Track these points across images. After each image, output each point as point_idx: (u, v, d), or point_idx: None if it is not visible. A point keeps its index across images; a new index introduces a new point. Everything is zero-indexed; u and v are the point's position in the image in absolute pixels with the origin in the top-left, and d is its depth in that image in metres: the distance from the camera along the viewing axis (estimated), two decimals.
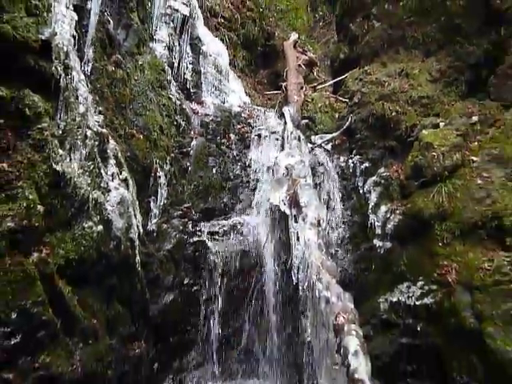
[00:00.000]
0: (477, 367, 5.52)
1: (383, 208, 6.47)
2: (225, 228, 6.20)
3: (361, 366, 4.29)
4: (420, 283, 6.04)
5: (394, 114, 6.77)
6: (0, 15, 3.54)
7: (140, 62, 6.06)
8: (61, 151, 4.08)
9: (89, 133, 4.50)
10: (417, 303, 5.99)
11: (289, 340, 6.03)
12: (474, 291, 5.69)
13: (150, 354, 5.17)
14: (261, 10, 11.24)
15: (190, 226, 6.07)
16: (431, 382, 5.88)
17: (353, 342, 4.45)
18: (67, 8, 4.48)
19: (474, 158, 6.21)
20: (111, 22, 5.70)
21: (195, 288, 5.90)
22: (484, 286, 5.64)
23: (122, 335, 4.73)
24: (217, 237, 6.11)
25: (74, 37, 4.60)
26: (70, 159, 4.24)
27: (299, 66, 8.06)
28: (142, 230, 5.24)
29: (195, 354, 5.80)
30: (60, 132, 4.13)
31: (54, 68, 4.01)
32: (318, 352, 5.28)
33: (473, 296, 5.68)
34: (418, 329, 5.93)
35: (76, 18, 4.64)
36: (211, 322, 5.89)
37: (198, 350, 5.82)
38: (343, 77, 7.71)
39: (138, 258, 5.02)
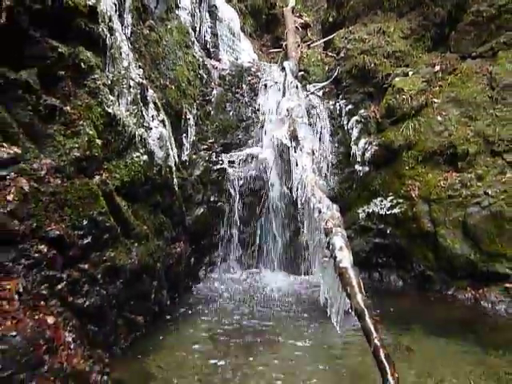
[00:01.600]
0: (431, 260, 5.64)
1: (363, 141, 6.37)
2: (240, 158, 6.14)
3: (345, 258, 4.31)
4: (390, 198, 6.05)
5: (372, 65, 6.51)
6: None
7: (169, 26, 5.74)
8: (111, 97, 3.94)
9: (132, 83, 4.34)
10: (387, 213, 6.03)
11: (290, 241, 6.14)
12: (431, 203, 5.70)
13: (187, 252, 5.26)
14: None
15: (214, 156, 6.01)
16: (397, 270, 6.03)
17: (339, 241, 4.46)
18: None
19: (436, 100, 6.02)
20: None
21: (219, 204, 5.94)
22: (439, 199, 5.64)
23: (167, 238, 4.79)
24: (234, 165, 6.07)
25: (114, 4, 4.35)
26: (119, 104, 4.11)
27: (296, 28, 7.64)
28: (177, 160, 5.18)
29: (220, 251, 5.94)
30: (109, 82, 3.98)
31: (100, 29, 3.80)
32: (312, 249, 5.35)
33: (430, 207, 5.70)
34: (388, 232, 6.01)
35: None
36: (231, 228, 5.99)
37: (223, 248, 5.96)
38: (331, 36, 7.33)
39: (175, 180, 5.00)
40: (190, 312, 4.69)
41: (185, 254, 5.22)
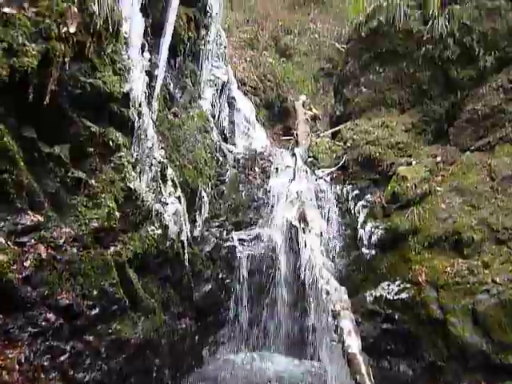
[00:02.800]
0: (441, 348, 5.31)
1: (369, 224, 6.35)
2: (250, 236, 6.12)
3: (354, 343, 4.15)
4: (397, 282, 5.87)
5: (377, 154, 6.72)
6: (94, 73, 3.60)
7: (191, 113, 6.12)
8: (133, 173, 4.10)
9: (154, 161, 4.53)
10: (395, 297, 5.80)
11: (297, 323, 5.87)
12: (439, 289, 5.51)
13: (193, 328, 5.06)
14: (277, 81, 11.40)
15: (225, 233, 6.01)
16: (406, 359, 5.65)
17: (347, 324, 4.32)
18: (141, 72, 4.56)
19: (439, 188, 6.10)
20: (171, 84, 5.80)
21: (227, 281, 5.80)
22: (447, 286, 5.46)
23: (173, 313, 4.65)
24: (244, 243, 6.04)
25: (144, 93, 4.68)
26: (140, 180, 4.25)
27: (306, 119, 8.09)
28: (189, 235, 5.19)
29: (226, 330, 5.67)
30: (133, 160, 4.15)
31: (131, 113, 4.06)
32: (319, 332, 5.11)
33: (438, 293, 5.50)
34: (396, 317, 5.73)
35: (147, 79, 4.72)
36: (238, 306, 5.78)
37: (228, 328, 5.69)
38: (339, 128, 7.69)
39: (186, 255, 4.97)
40: None
41: (190, 331, 5.01)
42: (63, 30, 3.20)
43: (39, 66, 3.01)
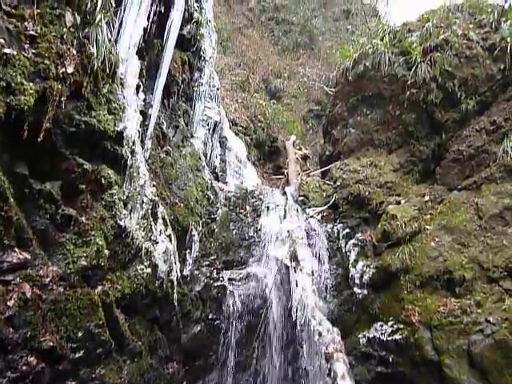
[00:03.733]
0: None
1: (360, 263, 6.32)
2: (241, 275, 6.03)
3: None
4: (390, 323, 5.78)
5: (366, 193, 6.81)
6: (90, 112, 3.65)
7: (183, 152, 6.19)
8: (124, 211, 4.06)
9: (145, 199, 4.50)
10: (388, 339, 5.69)
11: (289, 365, 5.66)
12: (433, 329, 5.43)
13: (180, 373, 4.84)
14: (268, 121, 11.66)
15: (215, 273, 5.91)
16: None
17: (341, 367, 4.21)
18: (135, 111, 4.64)
19: (428, 227, 6.16)
20: (164, 123, 5.89)
21: (217, 322, 5.63)
22: (441, 326, 5.39)
23: (160, 356, 4.46)
24: (235, 282, 5.93)
25: (138, 131, 4.73)
26: (131, 217, 4.20)
27: (297, 158, 8.23)
28: (179, 274, 5.08)
29: (215, 374, 5.43)
30: (125, 197, 4.12)
31: (124, 151, 4.08)
32: (312, 375, 4.94)
33: (432, 333, 5.41)
34: (390, 359, 5.60)
35: (141, 118, 4.79)
36: (228, 349, 5.57)
37: (218, 371, 5.46)
38: (328, 167, 7.84)
39: (175, 295, 4.84)
40: None
41: (177, 376, 4.80)
42: (61, 71, 3.27)
43: (35, 104, 3.05)
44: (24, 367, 2.73)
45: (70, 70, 3.38)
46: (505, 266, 5.42)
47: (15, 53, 3.01)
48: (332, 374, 4.20)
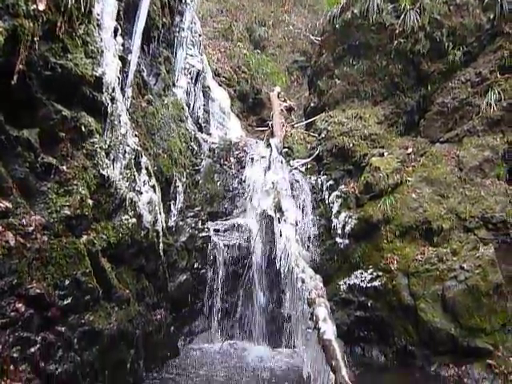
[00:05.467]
0: (412, 333, 5.49)
1: (343, 214, 6.44)
2: (226, 226, 6.10)
3: (329, 329, 4.16)
4: (370, 270, 6.00)
5: (351, 145, 6.81)
6: (65, 55, 3.45)
7: (165, 102, 6.00)
8: (106, 160, 3.97)
9: (127, 149, 4.40)
10: (368, 285, 5.93)
11: (272, 311, 5.89)
12: (410, 276, 5.67)
13: (168, 319, 4.98)
14: (251, 72, 11.33)
15: (200, 224, 5.96)
16: (378, 345, 5.79)
17: (322, 312, 4.32)
18: (114, 56, 4.41)
19: (410, 179, 6.25)
20: (145, 70, 5.65)
21: (202, 271, 5.77)
22: (417, 273, 5.63)
23: (148, 304, 4.56)
24: (220, 233, 6.00)
25: (118, 78, 4.52)
26: (113, 167, 4.12)
27: (281, 110, 8.09)
28: (164, 225, 5.10)
29: (201, 321, 5.63)
30: (106, 146, 4.02)
31: (103, 98, 3.92)
32: (294, 320, 5.14)
33: (409, 280, 5.65)
34: (369, 304, 5.87)
35: (120, 64, 4.56)
36: (214, 296, 5.75)
37: (204, 318, 5.66)
38: (313, 119, 7.74)
39: (161, 245, 4.88)
40: None
41: (165, 322, 4.93)
42: (32, 7, 3.04)
43: (6, 44, 2.84)
44: (12, 313, 2.76)
45: (41, 7, 3.14)
46: (481, 216, 5.62)
47: None
48: (314, 317, 4.33)
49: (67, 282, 3.26)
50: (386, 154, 6.59)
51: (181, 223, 5.70)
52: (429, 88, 6.80)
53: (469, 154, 6.07)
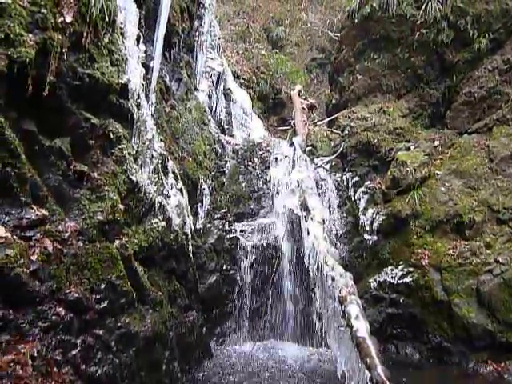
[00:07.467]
0: (446, 330, 5.36)
1: (370, 211, 6.35)
2: (252, 227, 6.10)
3: (362, 327, 4.10)
4: (401, 266, 5.89)
5: (375, 141, 6.72)
6: (92, 64, 3.53)
7: (188, 106, 6.06)
8: (135, 166, 4.03)
9: (154, 153, 4.46)
10: (399, 282, 5.82)
11: (303, 310, 5.86)
12: (442, 272, 5.54)
13: (199, 321, 5.01)
14: (271, 72, 11.31)
15: (227, 225, 5.99)
16: (412, 342, 5.68)
17: (354, 309, 4.27)
18: (138, 63, 4.48)
19: (438, 172, 6.12)
20: (167, 76, 5.72)
21: (231, 272, 5.79)
22: (450, 268, 5.49)
23: (180, 305, 4.60)
24: (247, 234, 6.01)
25: (142, 84, 4.60)
26: (142, 172, 4.18)
27: (303, 108, 8.04)
28: (192, 228, 5.15)
29: (232, 322, 5.65)
30: (134, 152, 4.09)
31: (130, 104, 3.99)
32: (326, 319, 5.09)
33: (442, 275, 5.52)
34: (401, 301, 5.76)
35: (143, 71, 4.64)
36: (243, 297, 5.76)
37: (234, 318, 5.68)
38: (336, 116, 7.68)
39: (190, 247, 4.92)
40: None
41: (197, 324, 4.97)
42: (59, 20, 3.12)
43: (37, 56, 2.93)
44: (53, 317, 2.83)
45: (68, 19, 3.22)
46: None
47: (10, 1, 2.86)
48: (346, 315, 4.28)
49: (103, 286, 3.32)
50: (412, 147, 6.47)
51: (208, 225, 5.74)
52: (454, 78, 6.64)
53: (499, 143, 5.89)
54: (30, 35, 2.94)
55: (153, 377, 3.88)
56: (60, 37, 3.13)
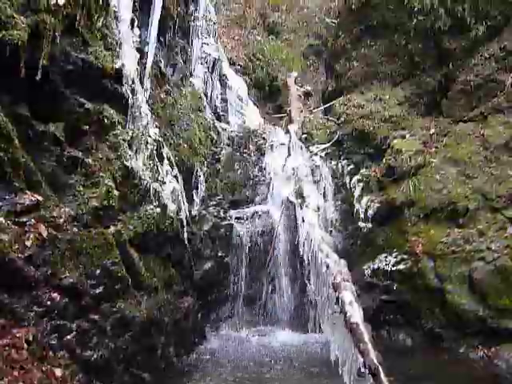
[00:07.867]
0: (439, 316, 5.42)
1: (365, 198, 6.37)
2: (248, 214, 6.11)
3: (355, 313, 4.16)
4: (395, 254, 5.92)
5: (371, 128, 6.70)
6: (86, 48, 3.49)
7: (183, 92, 6.01)
8: (129, 152, 4.03)
9: (149, 140, 4.45)
10: (392, 269, 5.86)
11: (297, 297, 5.92)
12: (436, 259, 5.58)
13: (195, 306, 5.06)
14: (267, 59, 11.23)
15: (222, 212, 5.99)
16: (404, 328, 5.75)
17: (348, 295, 4.32)
18: (132, 48, 4.43)
19: (433, 160, 6.12)
20: (162, 61, 5.66)
21: (226, 259, 5.81)
22: (443, 255, 5.53)
23: (175, 291, 4.64)
24: (242, 221, 6.03)
25: (137, 69, 4.55)
26: (136, 158, 4.18)
27: (299, 96, 8.00)
28: (188, 214, 5.15)
29: (227, 308, 5.70)
30: (129, 138, 4.07)
31: (124, 89, 3.96)
32: (320, 305, 5.15)
33: (435, 262, 5.57)
34: (394, 288, 5.81)
35: (138, 56, 4.59)
36: (238, 284, 5.80)
37: (229, 305, 5.72)
38: (332, 103, 7.63)
39: (185, 234, 4.94)
40: (195, 372, 4.37)
41: (192, 309, 5.02)
42: (52, 2, 3.07)
43: (30, 39, 2.89)
44: (49, 302, 2.86)
45: (61, 1, 3.17)
46: (508, 195, 5.46)
47: None
48: (340, 301, 4.33)
49: (98, 272, 3.34)
50: (407, 135, 6.47)
51: (204, 212, 5.74)
52: (450, 66, 6.60)
53: (494, 132, 5.90)
54: (22, 17, 2.90)
55: (149, 361, 3.92)
56: (53, 19, 3.09)
